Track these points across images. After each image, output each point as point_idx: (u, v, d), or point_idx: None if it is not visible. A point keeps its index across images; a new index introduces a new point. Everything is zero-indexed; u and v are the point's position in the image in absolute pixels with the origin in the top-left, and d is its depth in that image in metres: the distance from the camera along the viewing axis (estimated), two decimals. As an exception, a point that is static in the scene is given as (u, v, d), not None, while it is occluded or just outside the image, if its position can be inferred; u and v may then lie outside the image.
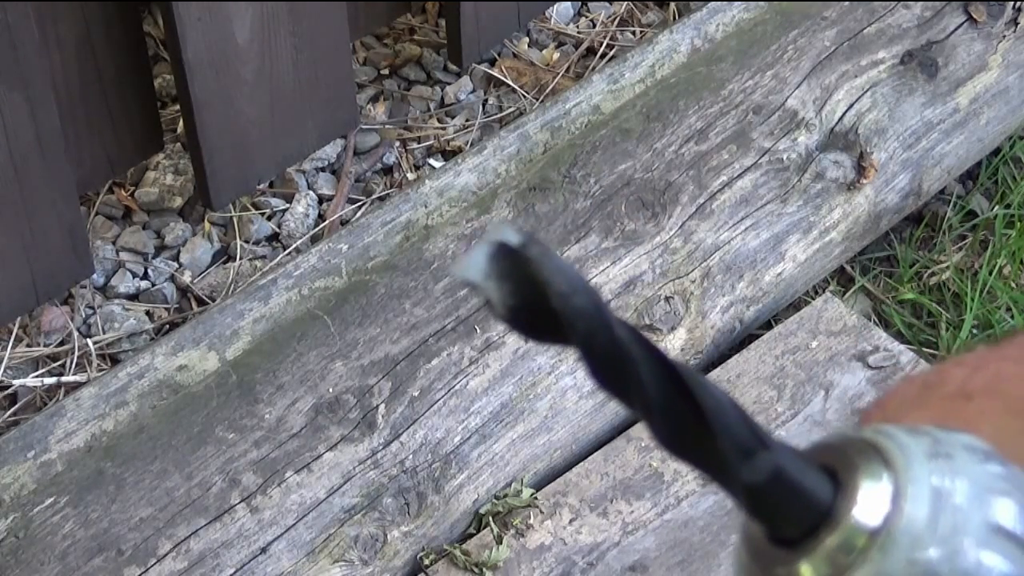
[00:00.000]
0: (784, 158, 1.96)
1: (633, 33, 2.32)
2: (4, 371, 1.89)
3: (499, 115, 2.20)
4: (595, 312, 0.54)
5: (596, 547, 1.74)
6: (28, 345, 1.92)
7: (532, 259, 0.54)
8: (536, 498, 1.77)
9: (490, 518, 1.74)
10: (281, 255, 2.02)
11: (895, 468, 0.55)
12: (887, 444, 0.56)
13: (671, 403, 0.55)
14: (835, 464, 0.56)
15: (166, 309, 1.98)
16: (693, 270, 1.89)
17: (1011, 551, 0.54)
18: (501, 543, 1.72)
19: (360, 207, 2.08)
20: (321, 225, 2.06)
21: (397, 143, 2.16)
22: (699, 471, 0.56)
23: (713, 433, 0.54)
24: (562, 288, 0.53)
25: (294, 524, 1.64)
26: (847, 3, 2.08)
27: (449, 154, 2.15)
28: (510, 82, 2.24)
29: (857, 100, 2.02)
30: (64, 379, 1.89)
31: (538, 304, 0.54)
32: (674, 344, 1.87)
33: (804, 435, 1.82)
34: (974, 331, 2.06)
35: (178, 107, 1.96)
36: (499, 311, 0.54)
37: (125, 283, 1.99)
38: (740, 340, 1.96)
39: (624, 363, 0.55)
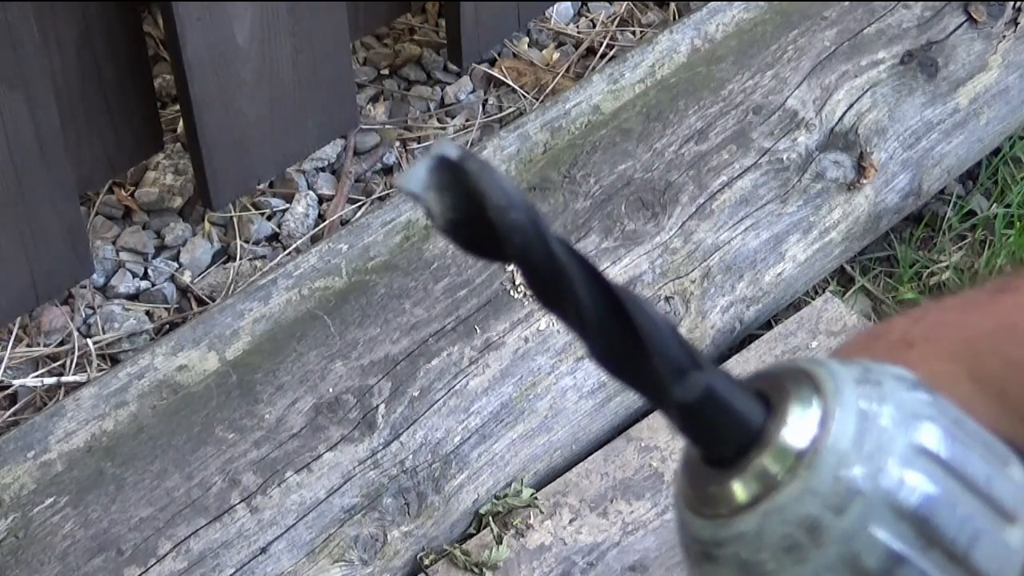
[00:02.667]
0: (784, 158, 1.96)
1: (633, 33, 2.32)
2: (4, 371, 1.89)
3: (499, 115, 2.20)
4: (531, 227, 0.54)
5: (596, 547, 1.74)
6: (28, 345, 1.92)
7: (471, 173, 0.54)
8: (536, 498, 1.77)
9: (490, 518, 1.74)
10: (281, 255, 2.02)
11: (824, 393, 0.57)
12: (818, 371, 0.58)
13: (606, 321, 0.55)
14: (768, 390, 0.58)
15: (166, 309, 1.98)
16: (693, 270, 1.89)
17: (934, 472, 0.55)
18: (501, 543, 1.72)
19: (360, 207, 2.08)
20: (321, 225, 2.06)
21: (397, 143, 2.16)
22: (634, 390, 0.57)
23: (647, 352, 0.55)
24: (499, 202, 0.54)
25: (294, 524, 1.64)
26: (847, 3, 2.08)
27: (449, 154, 2.15)
28: (510, 82, 2.24)
29: (857, 100, 2.02)
30: (64, 379, 1.89)
31: (476, 218, 0.54)
32: (674, 344, 1.87)
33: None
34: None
35: (178, 107, 1.96)
36: (439, 223, 0.55)
37: (125, 283, 1.99)
38: (740, 340, 1.96)
39: (560, 279, 0.55)
